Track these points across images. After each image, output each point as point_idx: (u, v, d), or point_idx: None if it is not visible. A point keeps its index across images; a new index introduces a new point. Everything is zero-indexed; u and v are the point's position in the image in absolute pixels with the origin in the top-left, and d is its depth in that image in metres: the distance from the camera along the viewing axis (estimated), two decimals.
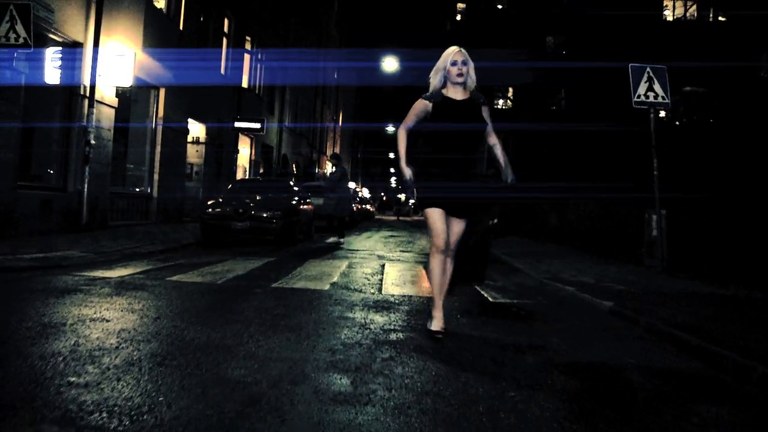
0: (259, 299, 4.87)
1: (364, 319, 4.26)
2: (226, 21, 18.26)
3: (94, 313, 3.96)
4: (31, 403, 2.23)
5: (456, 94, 3.78)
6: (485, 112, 3.83)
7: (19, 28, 7.38)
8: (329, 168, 38.78)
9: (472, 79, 3.78)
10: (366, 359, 3.14)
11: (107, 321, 3.74)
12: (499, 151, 3.90)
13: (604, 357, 3.51)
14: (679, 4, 27.25)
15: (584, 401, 2.66)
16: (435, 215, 3.76)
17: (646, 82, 8.24)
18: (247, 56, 20.35)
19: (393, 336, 3.74)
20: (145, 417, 2.15)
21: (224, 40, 18.20)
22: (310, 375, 2.80)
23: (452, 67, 3.72)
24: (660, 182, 7.97)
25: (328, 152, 42.33)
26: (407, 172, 3.80)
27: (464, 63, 3.72)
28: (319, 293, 5.37)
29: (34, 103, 9.18)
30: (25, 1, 7.43)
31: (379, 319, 4.28)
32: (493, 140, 3.91)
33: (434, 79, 3.82)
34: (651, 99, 8.20)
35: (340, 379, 2.77)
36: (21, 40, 7.40)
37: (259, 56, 21.88)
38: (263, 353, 3.14)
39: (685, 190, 9.52)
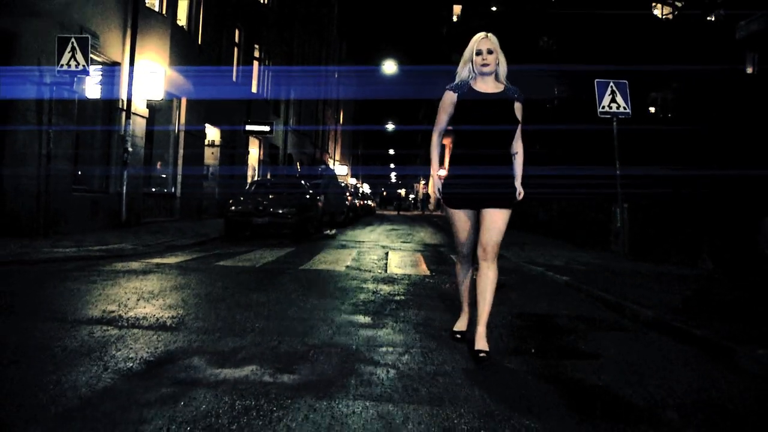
0: (292, 277, 6.32)
1: (375, 288, 5.71)
2: (237, 32, 19.69)
3: (178, 284, 5.41)
4: (186, 324, 3.69)
5: (485, 86, 3.35)
6: (518, 110, 3.36)
7: (79, 56, 8.80)
8: (331, 165, 40.34)
9: (504, 69, 3.36)
10: (379, 309, 4.60)
11: (192, 288, 5.19)
12: (520, 159, 3.43)
13: (546, 310, 4.96)
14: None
15: (523, 330, 4.10)
16: (458, 216, 3.39)
17: (609, 95, 9.64)
18: (255, 63, 21.78)
19: (397, 298, 5.19)
20: (254, 332, 3.61)
21: (235, 50, 19.64)
22: (343, 316, 4.26)
23: (476, 57, 3.30)
24: (628, 178, 9.42)
25: (330, 150, 43.82)
26: (437, 182, 3.43)
27: (490, 51, 3.28)
28: (337, 272, 6.83)
29: (81, 116, 10.60)
30: (83, 35, 8.87)
31: (386, 288, 5.74)
32: (517, 147, 3.42)
33: (462, 71, 3.38)
34: (614, 109, 9.61)
35: (364, 317, 4.23)
36: (80, 67, 8.84)
37: (267, 62, 23.34)
38: (309, 306, 4.59)
39: (648, 186, 10.96)
